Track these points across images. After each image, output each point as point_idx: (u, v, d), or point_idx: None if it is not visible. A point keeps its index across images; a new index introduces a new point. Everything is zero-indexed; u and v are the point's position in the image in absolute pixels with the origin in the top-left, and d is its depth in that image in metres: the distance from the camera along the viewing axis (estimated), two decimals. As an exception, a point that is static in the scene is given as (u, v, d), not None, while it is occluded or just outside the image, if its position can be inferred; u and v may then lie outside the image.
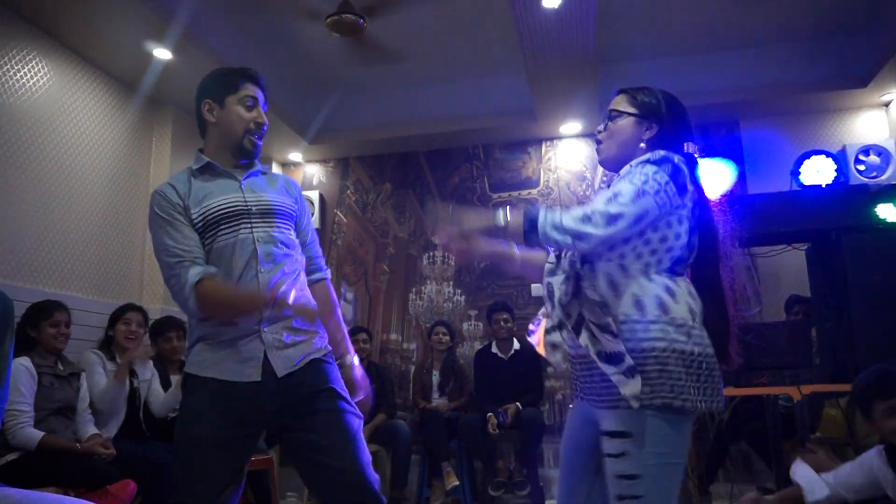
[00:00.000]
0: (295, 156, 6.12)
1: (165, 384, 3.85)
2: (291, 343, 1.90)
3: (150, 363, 3.88)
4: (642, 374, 1.53)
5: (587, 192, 5.73)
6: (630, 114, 1.80)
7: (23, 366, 3.11)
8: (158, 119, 5.05)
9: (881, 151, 4.78)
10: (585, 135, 5.80)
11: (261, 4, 4.36)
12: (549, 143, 5.90)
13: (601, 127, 1.85)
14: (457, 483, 4.56)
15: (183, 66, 4.43)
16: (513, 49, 4.82)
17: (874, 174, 4.72)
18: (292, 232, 2.04)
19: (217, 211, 1.93)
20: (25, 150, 3.91)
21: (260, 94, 2.06)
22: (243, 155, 2.03)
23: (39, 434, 3.04)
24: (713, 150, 5.36)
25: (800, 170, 4.57)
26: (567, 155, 5.83)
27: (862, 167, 4.77)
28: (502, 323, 4.97)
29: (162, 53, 4.28)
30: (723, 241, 1.76)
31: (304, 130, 5.62)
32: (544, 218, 1.57)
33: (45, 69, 4.07)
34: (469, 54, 5.11)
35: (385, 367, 5.51)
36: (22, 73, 3.90)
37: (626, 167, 1.72)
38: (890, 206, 3.88)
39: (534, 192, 5.85)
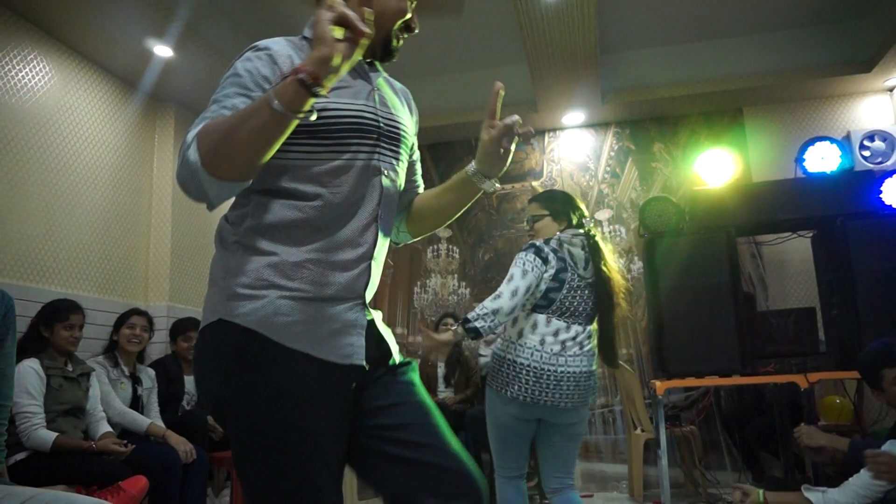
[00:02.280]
0: (297, 151, 6.11)
1: (162, 398, 3.92)
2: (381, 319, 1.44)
3: (153, 372, 3.93)
4: (492, 368, 2.66)
5: (590, 183, 5.71)
6: (546, 215, 2.79)
7: (31, 368, 3.13)
8: (160, 116, 5.05)
9: (886, 137, 4.75)
10: (588, 125, 5.78)
11: (260, 0, 4.36)
12: (551, 133, 5.88)
13: (529, 229, 2.85)
14: (465, 475, 4.57)
15: (184, 63, 4.43)
16: (514, 40, 4.81)
17: (879, 160, 4.69)
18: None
19: (345, 116, 1.33)
20: (28, 149, 3.92)
21: None
22: (383, 54, 1.47)
23: (53, 435, 3.06)
24: (717, 138, 5.35)
25: (804, 156, 4.55)
26: (570, 145, 5.82)
27: (867, 153, 4.74)
28: (507, 315, 4.97)
29: (163, 51, 4.28)
30: (615, 290, 2.66)
31: (306, 125, 5.61)
32: (475, 318, 2.51)
33: (47, 69, 4.07)
34: (470, 46, 5.09)
35: (391, 360, 5.51)
36: (23, 74, 3.90)
37: (517, 255, 2.67)
38: (895, 191, 3.86)
39: (537, 183, 5.84)
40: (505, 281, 2.59)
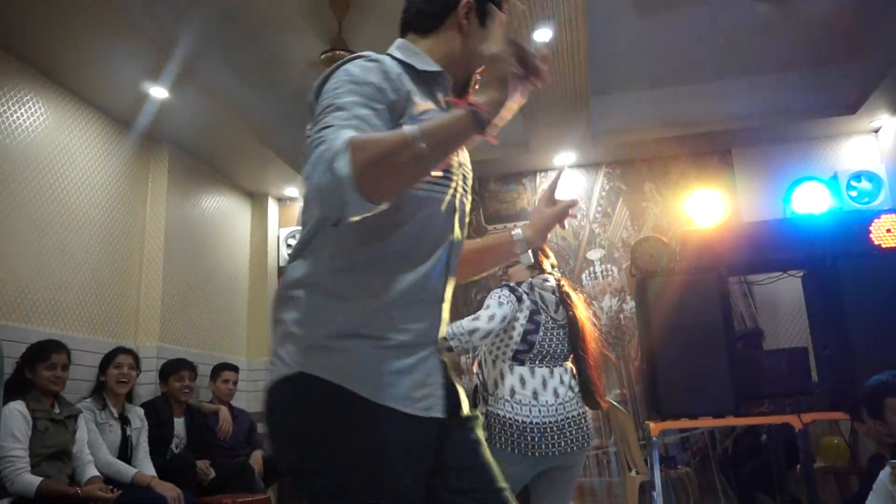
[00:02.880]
0: (291, 191, 6.14)
1: (151, 440, 3.86)
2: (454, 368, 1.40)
3: (142, 412, 3.88)
4: (491, 429, 2.64)
5: (582, 222, 5.74)
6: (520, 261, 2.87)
7: (17, 410, 3.08)
8: (154, 157, 5.07)
9: (872, 177, 4.83)
10: (579, 165, 5.84)
11: (256, 42, 4.42)
12: (543, 174, 5.94)
13: (502, 273, 2.95)
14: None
15: (179, 104, 4.47)
16: (505, 82, 4.87)
17: (866, 200, 4.76)
18: None
19: None
20: (22, 190, 3.92)
21: None
22: (459, 93, 1.44)
23: (37, 480, 2.99)
24: (706, 179, 5.40)
25: (791, 196, 4.61)
26: (561, 185, 5.86)
27: (854, 193, 4.81)
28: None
29: (158, 92, 4.31)
30: (587, 337, 2.77)
31: (299, 165, 5.65)
32: (451, 337, 2.62)
33: (42, 109, 4.10)
34: (462, 88, 5.16)
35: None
36: (19, 115, 3.92)
37: (491, 293, 2.77)
38: (884, 231, 3.90)
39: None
40: (482, 311, 2.70)
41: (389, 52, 1.38)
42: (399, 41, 1.41)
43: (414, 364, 1.22)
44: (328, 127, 1.11)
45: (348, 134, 1.08)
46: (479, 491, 1.29)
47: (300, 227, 1.30)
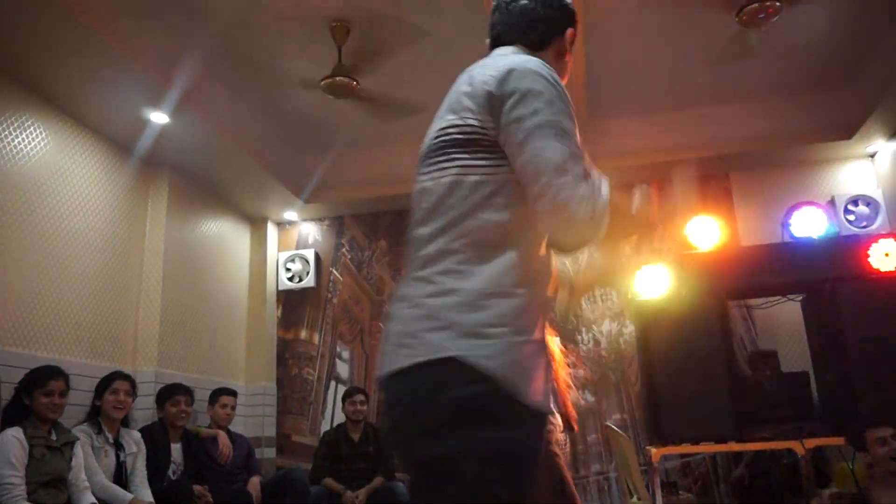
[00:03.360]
0: (290, 215, 6.15)
1: (150, 464, 3.81)
2: None
3: (138, 436, 3.84)
4: None
5: (581, 246, 5.75)
6: None
7: (14, 437, 3.05)
8: (154, 181, 5.08)
9: (870, 201, 4.85)
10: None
11: (256, 68, 4.45)
12: (542, 198, 5.94)
13: None
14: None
15: (179, 129, 4.49)
16: (504, 108, 4.90)
17: (864, 224, 4.77)
18: None
19: None
20: (21, 214, 3.92)
21: None
22: None
23: (34, 508, 2.96)
24: (705, 203, 5.41)
25: (790, 221, 4.62)
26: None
27: (852, 217, 4.82)
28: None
29: (158, 117, 4.34)
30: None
31: (299, 189, 5.67)
32: None
33: (42, 134, 4.12)
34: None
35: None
36: (19, 140, 3.94)
37: None
38: (882, 255, 3.90)
39: (528, 246, 5.87)
40: None
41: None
42: (512, 48, 1.45)
43: (544, 364, 1.26)
44: (574, 157, 1.23)
45: (603, 182, 1.26)
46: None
47: (434, 209, 1.32)
